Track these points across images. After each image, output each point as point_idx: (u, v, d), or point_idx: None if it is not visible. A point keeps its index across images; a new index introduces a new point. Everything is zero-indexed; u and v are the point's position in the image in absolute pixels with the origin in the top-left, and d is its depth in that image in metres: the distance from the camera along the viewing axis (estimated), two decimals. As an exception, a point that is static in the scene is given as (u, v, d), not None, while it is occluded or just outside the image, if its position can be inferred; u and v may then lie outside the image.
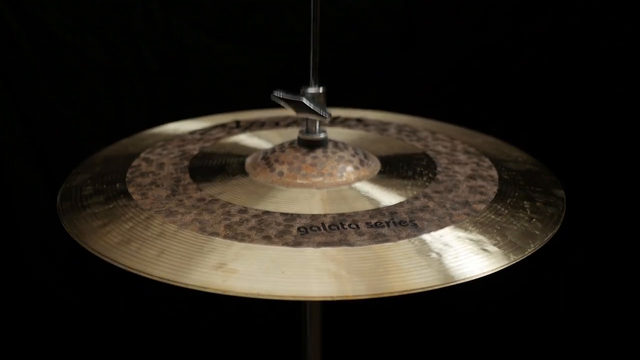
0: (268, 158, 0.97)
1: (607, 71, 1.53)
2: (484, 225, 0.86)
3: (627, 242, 1.60)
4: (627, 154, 1.55)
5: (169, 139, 1.11)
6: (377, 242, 0.80)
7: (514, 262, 0.81)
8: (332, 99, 1.04)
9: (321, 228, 0.82)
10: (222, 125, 1.17)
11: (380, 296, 0.74)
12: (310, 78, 0.96)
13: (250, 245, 0.79)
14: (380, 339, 1.75)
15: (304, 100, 0.94)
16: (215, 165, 1.00)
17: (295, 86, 0.97)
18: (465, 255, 0.80)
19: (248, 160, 1.00)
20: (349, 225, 0.83)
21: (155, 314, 1.70)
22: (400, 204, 0.88)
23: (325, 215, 0.85)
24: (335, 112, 1.19)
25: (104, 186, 0.95)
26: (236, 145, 1.08)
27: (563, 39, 1.55)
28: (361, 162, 0.97)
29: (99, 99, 1.56)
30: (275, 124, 1.18)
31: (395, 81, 1.63)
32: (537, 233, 0.86)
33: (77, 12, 1.50)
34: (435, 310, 1.71)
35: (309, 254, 0.78)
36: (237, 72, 1.59)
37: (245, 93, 1.57)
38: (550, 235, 0.87)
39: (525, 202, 0.92)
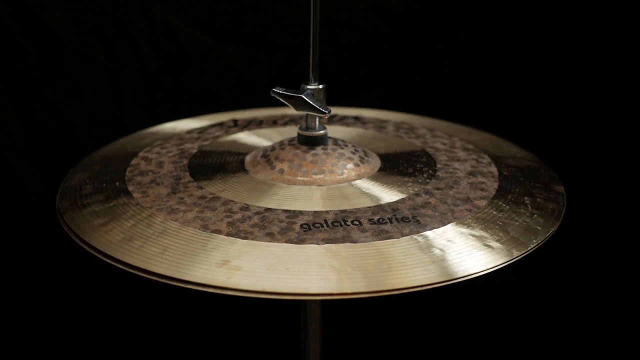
0: (268, 156, 0.97)
1: (605, 70, 1.54)
2: (486, 221, 0.86)
3: (624, 239, 1.60)
4: (624, 153, 1.56)
5: (167, 137, 1.11)
6: (380, 239, 0.80)
7: (517, 258, 0.81)
8: (331, 100, 1.04)
9: (324, 225, 0.82)
10: (220, 124, 1.17)
11: (386, 294, 0.74)
12: (310, 75, 0.96)
13: (254, 242, 0.79)
14: (380, 339, 1.75)
15: (304, 96, 0.94)
16: (214, 164, 0.99)
17: (295, 86, 0.97)
18: (469, 252, 0.80)
19: (247, 158, 1.00)
20: (352, 222, 0.83)
21: (155, 314, 1.70)
22: (401, 201, 0.88)
23: (327, 212, 0.85)
24: (333, 110, 1.19)
25: (104, 185, 0.95)
26: (235, 143, 1.08)
27: (560, 39, 1.56)
28: (361, 160, 0.97)
29: (99, 98, 1.56)
30: (273, 122, 1.18)
31: (394, 82, 1.63)
32: (539, 229, 0.87)
33: (77, 12, 1.50)
34: (435, 310, 1.71)
35: (313, 250, 0.78)
36: (237, 72, 1.58)
37: (244, 93, 1.57)
38: (552, 230, 0.87)
39: (526, 198, 0.93)
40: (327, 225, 0.82)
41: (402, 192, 0.91)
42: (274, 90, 0.95)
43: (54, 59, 1.53)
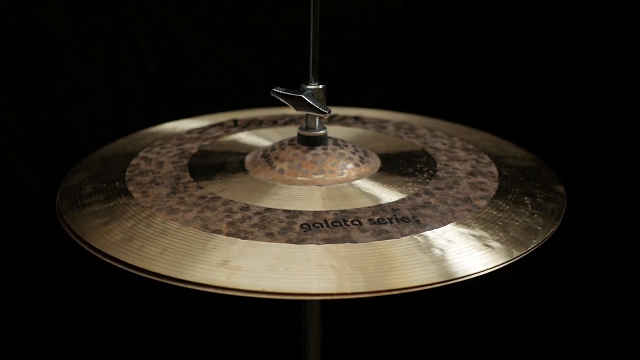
0: (268, 156, 0.97)
1: (605, 70, 1.54)
2: (486, 221, 0.86)
3: (624, 239, 1.60)
4: (624, 153, 1.55)
5: (167, 137, 1.11)
6: (380, 239, 0.80)
7: (517, 258, 0.81)
8: (331, 100, 1.04)
9: (324, 225, 0.82)
10: (220, 124, 1.17)
11: (386, 294, 0.74)
12: (310, 75, 0.96)
13: (254, 242, 0.79)
14: (380, 339, 1.75)
15: (304, 96, 0.94)
16: (214, 164, 0.99)
17: (295, 86, 0.97)
18: (469, 252, 0.80)
19: (247, 158, 1.00)
20: (352, 222, 0.83)
21: (155, 314, 1.70)
22: (401, 201, 0.88)
23: (327, 212, 0.85)
24: (333, 110, 1.19)
25: (104, 185, 0.95)
26: (235, 143, 1.08)
27: (560, 39, 1.56)
28: (361, 160, 0.97)
29: (98, 98, 1.56)
30: (273, 122, 1.18)
31: (394, 82, 1.63)
32: (539, 229, 0.87)
33: (77, 12, 1.50)
34: (435, 310, 1.71)
35: (313, 250, 0.78)
36: (237, 72, 1.59)
37: (244, 93, 1.57)
38: (552, 230, 0.87)
39: (526, 198, 0.93)
40: (327, 225, 0.82)
41: (402, 192, 0.91)
42: (274, 90, 0.95)
43: (54, 59, 1.53)
